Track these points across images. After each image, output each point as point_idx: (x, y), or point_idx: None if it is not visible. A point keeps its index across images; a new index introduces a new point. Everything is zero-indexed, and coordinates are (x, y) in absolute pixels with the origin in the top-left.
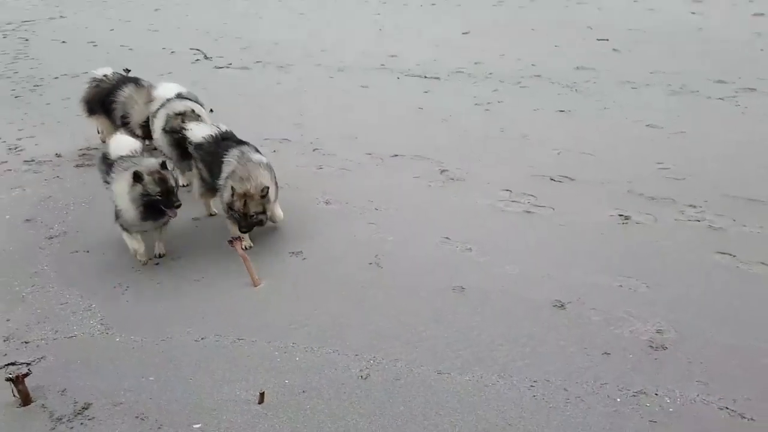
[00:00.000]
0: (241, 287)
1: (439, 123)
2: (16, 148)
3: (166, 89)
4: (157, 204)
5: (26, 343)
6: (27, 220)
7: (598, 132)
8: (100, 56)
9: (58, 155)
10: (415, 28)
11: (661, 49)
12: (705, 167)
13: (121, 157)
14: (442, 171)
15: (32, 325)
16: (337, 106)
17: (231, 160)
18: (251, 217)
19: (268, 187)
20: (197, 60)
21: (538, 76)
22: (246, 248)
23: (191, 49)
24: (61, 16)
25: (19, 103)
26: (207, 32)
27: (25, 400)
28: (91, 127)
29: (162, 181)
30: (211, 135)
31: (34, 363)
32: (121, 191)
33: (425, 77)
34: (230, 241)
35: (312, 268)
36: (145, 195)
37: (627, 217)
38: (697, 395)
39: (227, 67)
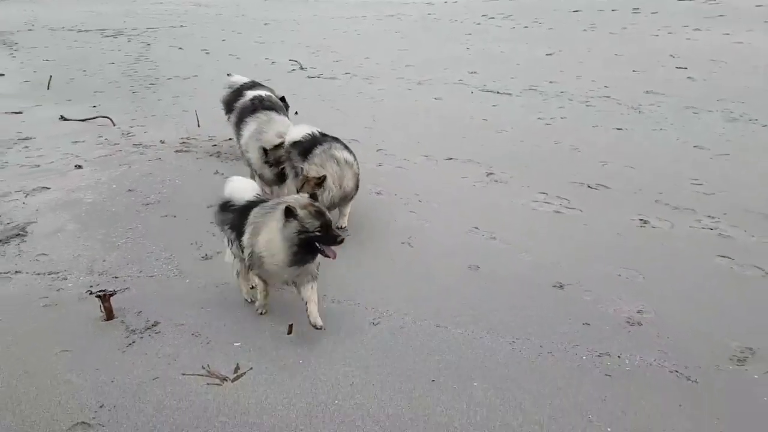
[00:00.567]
0: None
1: (498, 133)
2: (128, 133)
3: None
4: (315, 241)
5: (116, 277)
6: (129, 189)
7: (645, 149)
8: (210, 63)
9: (162, 141)
10: (502, 48)
11: (735, 79)
12: (735, 186)
13: (252, 202)
14: (489, 174)
15: (122, 266)
16: (408, 114)
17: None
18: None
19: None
20: (293, 70)
21: (607, 96)
22: None
23: (290, 60)
24: (182, 26)
25: (135, 97)
26: (307, 46)
27: (109, 315)
28: (193, 121)
29: (319, 214)
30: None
31: (119, 291)
32: (270, 234)
33: (498, 93)
34: None
35: (351, 240)
36: (303, 232)
37: (646, 221)
38: (654, 360)
39: (318, 77)
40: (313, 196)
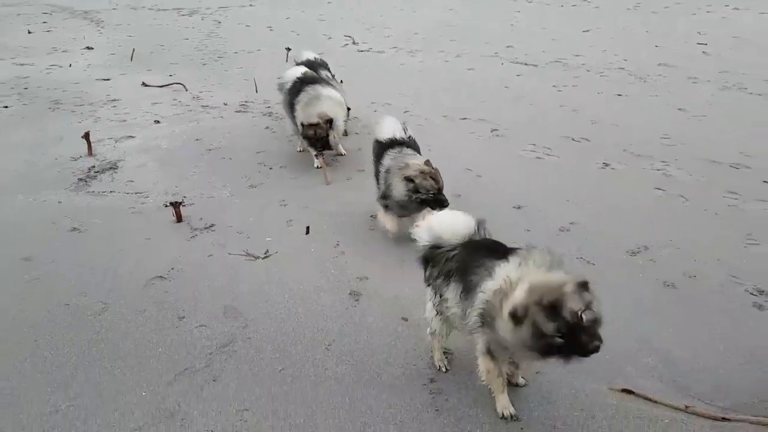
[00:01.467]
0: (318, 184)
1: (514, 99)
2: (197, 97)
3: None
4: (426, 203)
5: (185, 197)
6: (196, 139)
7: (634, 111)
8: (273, 38)
9: (225, 104)
10: (544, 25)
11: (746, 54)
12: (697, 140)
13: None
14: (493, 130)
15: (189, 190)
16: (440, 82)
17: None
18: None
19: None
20: (346, 45)
21: (622, 68)
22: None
23: (344, 35)
24: (251, 5)
25: (205, 68)
26: (363, 23)
27: (179, 218)
28: (252, 88)
29: (433, 179)
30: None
31: (187, 205)
32: (397, 187)
33: (525, 64)
34: (315, 156)
35: (361, 173)
36: (416, 192)
37: (607, 164)
38: (567, 249)
39: (368, 51)
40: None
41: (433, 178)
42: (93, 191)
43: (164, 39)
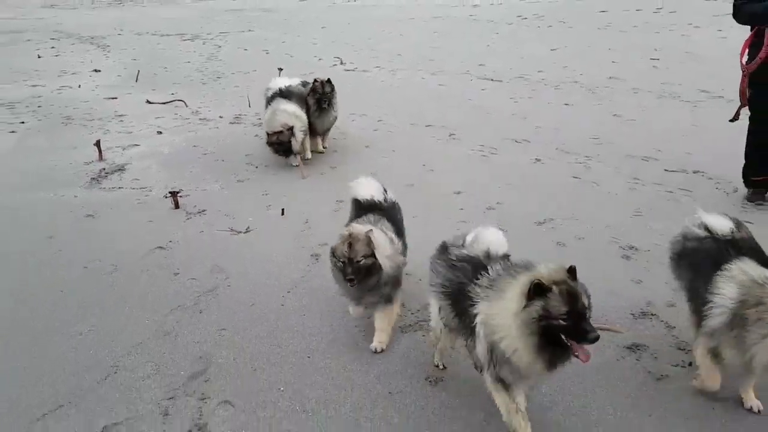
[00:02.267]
0: (295, 179)
1: (473, 108)
2: (196, 112)
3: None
4: (561, 334)
5: (182, 189)
6: (194, 146)
7: (575, 118)
8: (268, 60)
9: (220, 117)
10: (518, 45)
11: (692, 67)
12: (623, 139)
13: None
14: (450, 134)
15: (186, 184)
16: (413, 96)
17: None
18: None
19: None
20: (334, 65)
21: (576, 82)
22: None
23: (334, 57)
24: (250, 30)
25: (204, 87)
26: (352, 46)
27: (176, 205)
28: (246, 104)
29: (571, 296)
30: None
31: (184, 196)
32: (505, 314)
33: (491, 80)
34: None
35: (333, 169)
36: (546, 318)
37: (538, 160)
38: (490, 222)
39: (353, 70)
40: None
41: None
42: (104, 188)
43: (167, 62)
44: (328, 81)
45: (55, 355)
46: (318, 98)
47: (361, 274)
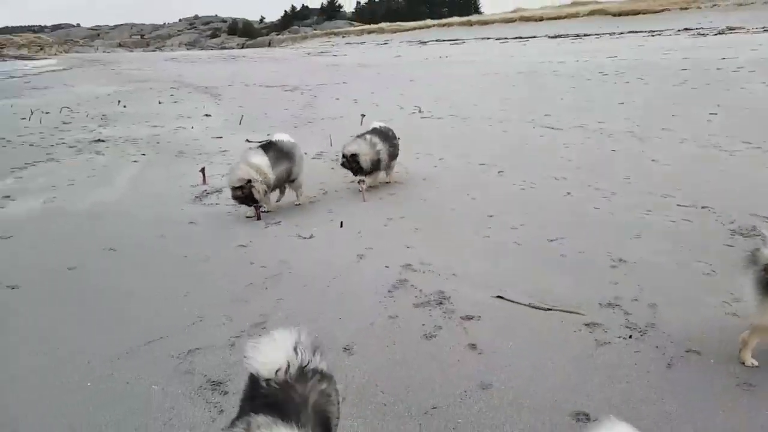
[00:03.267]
0: (358, 201)
1: (525, 151)
2: None
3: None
4: None
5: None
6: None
7: (616, 161)
8: (356, 109)
9: (305, 153)
10: (588, 98)
11: (747, 122)
12: (650, 181)
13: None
14: (499, 171)
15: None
16: (474, 140)
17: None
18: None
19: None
20: (413, 113)
21: (630, 132)
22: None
23: (414, 106)
24: (344, 83)
25: (296, 130)
26: (433, 96)
27: (258, 217)
28: (326, 143)
29: None
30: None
31: (263, 210)
32: None
33: (552, 128)
34: (358, 182)
35: (391, 196)
36: None
37: (569, 193)
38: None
39: (429, 117)
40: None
41: None
42: (204, 204)
43: (268, 109)
44: (352, 156)
45: (164, 309)
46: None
47: None
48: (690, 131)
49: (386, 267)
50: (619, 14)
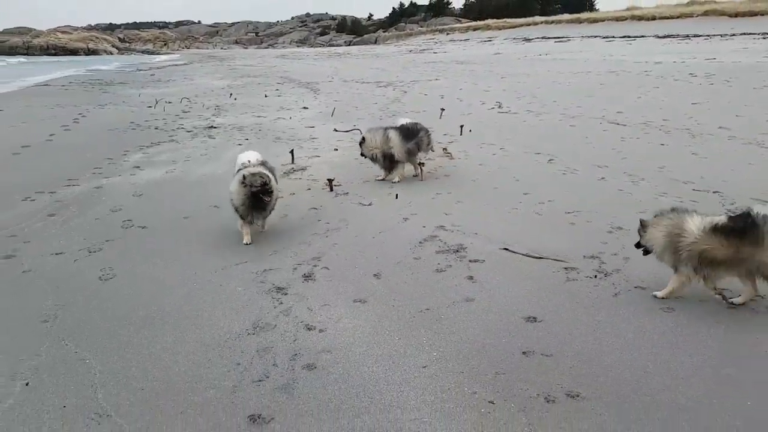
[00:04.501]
0: (415, 181)
1: (584, 144)
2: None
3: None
4: None
5: (335, 179)
6: (355, 158)
7: (660, 154)
8: (439, 103)
9: None
10: (667, 97)
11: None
12: (682, 170)
13: None
14: (550, 159)
15: (341, 179)
16: (539, 133)
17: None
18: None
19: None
20: (492, 108)
21: (687, 129)
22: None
23: (495, 102)
24: (436, 79)
25: (380, 122)
26: (517, 93)
27: (330, 188)
28: None
29: None
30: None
31: (336, 184)
32: None
33: (617, 124)
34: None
35: (446, 177)
36: None
37: (603, 178)
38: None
39: (506, 112)
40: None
41: None
42: (291, 178)
43: (359, 103)
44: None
45: (251, 245)
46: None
47: None
48: (742, 130)
49: (423, 227)
50: (736, 15)
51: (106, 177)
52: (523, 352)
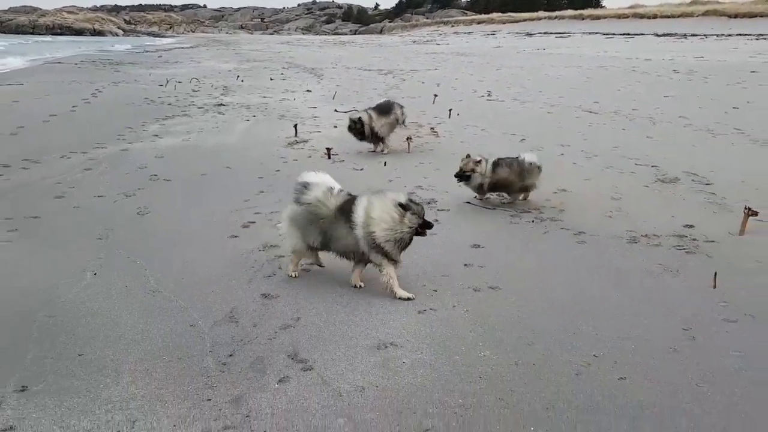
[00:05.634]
0: (403, 154)
1: (556, 128)
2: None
3: None
4: None
5: (333, 148)
6: None
7: (621, 138)
8: (435, 90)
9: None
10: (644, 90)
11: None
12: (645, 154)
13: None
14: (521, 140)
15: (339, 150)
16: (518, 119)
17: None
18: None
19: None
20: (482, 96)
21: (650, 117)
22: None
23: (487, 91)
24: (436, 69)
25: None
26: (508, 83)
27: (329, 156)
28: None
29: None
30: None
31: (333, 153)
32: None
33: (589, 112)
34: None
35: (435, 150)
36: None
37: (576, 165)
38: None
39: (495, 100)
40: None
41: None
42: (294, 148)
43: (360, 88)
44: (359, 119)
45: (254, 192)
46: (354, 134)
47: None
48: (702, 120)
49: (405, 186)
50: (735, 15)
51: (129, 142)
52: (465, 264)
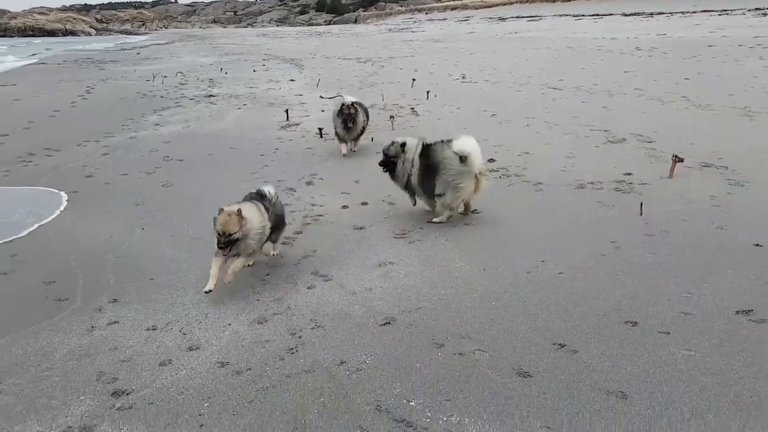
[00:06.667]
0: (372, 143)
1: (523, 104)
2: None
3: None
4: None
5: (324, 128)
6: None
7: (581, 106)
8: (410, 76)
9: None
10: (607, 67)
11: (716, 86)
12: (598, 117)
13: None
14: (493, 114)
15: (328, 130)
16: (490, 97)
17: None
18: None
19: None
20: (457, 79)
21: (608, 91)
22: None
23: (461, 74)
24: (413, 56)
25: (359, 91)
26: (481, 66)
27: (320, 135)
28: (379, 98)
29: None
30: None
31: (324, 133)
32: None
33: (555, 89)
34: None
35: (409, 130)
36: None
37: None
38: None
39: (469, 82)
40: None
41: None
42: (287, 131)
43: (341, 76)
44: (353, 104)
45: (256, 167)
46: (344, 118)
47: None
48: (655, 91)
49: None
50: None
51: (134, 131)
52: None
